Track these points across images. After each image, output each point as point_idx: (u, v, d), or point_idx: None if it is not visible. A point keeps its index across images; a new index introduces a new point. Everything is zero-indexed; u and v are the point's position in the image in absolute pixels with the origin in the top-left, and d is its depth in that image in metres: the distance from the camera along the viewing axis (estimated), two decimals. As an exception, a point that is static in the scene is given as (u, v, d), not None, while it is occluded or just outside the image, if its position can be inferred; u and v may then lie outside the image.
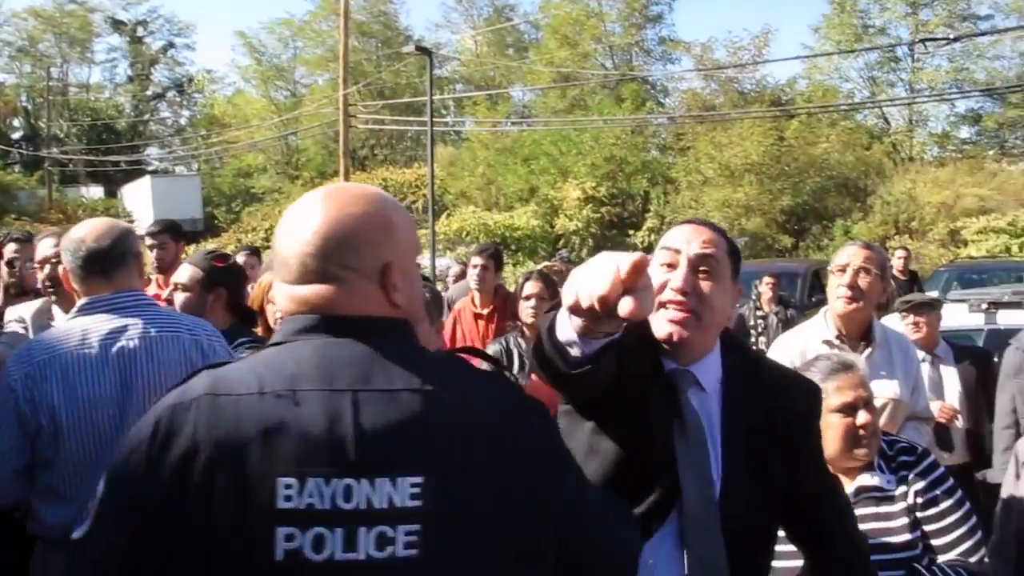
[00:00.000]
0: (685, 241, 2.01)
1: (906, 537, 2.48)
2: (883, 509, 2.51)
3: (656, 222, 28.49)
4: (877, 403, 3.37)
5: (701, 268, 1.98)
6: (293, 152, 45.32)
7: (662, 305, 1.97)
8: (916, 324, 5.17)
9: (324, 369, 1.42)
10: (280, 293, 1.53)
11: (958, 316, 6.33)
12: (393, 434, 1.40)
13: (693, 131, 30.72)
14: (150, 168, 45.59)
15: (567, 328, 1.59)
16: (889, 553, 2.45)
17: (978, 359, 5.38)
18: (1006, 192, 26.08)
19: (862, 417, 2.53)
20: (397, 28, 46.64)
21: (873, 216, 25.94)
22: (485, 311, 6.06)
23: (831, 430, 2.49)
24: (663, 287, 1.96)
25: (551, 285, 4.76)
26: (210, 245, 31.65)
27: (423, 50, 24.91)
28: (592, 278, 1.42)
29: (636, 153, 31.36)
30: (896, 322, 5.24)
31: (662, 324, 1.98)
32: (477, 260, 6.15)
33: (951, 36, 28.27)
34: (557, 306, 1.68)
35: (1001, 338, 6.07)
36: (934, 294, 8.23)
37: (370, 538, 1.36)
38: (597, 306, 1.41)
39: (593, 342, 1.58)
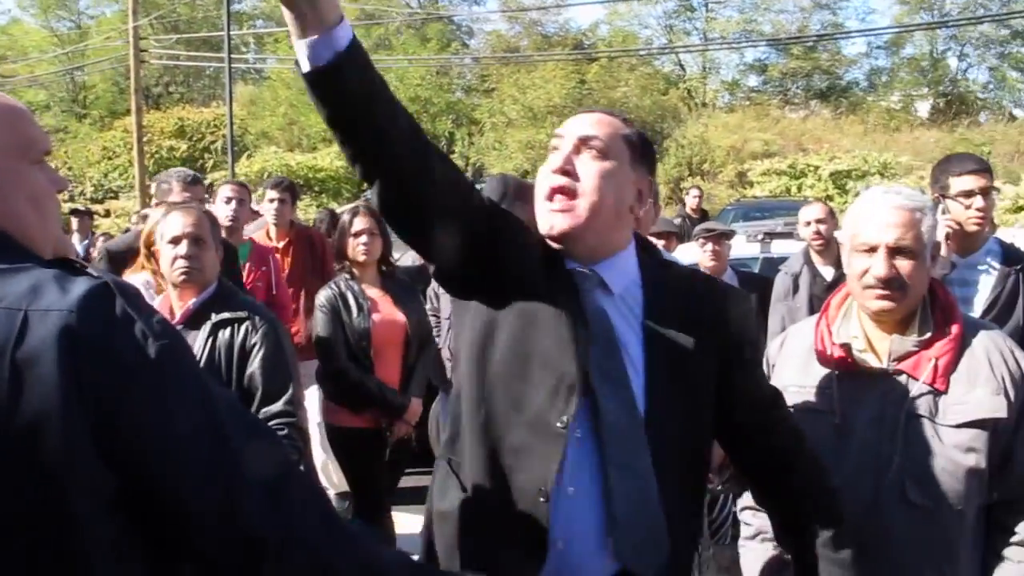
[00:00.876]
0: (572, 125, 1.87)
1: None
2: None
3: (461, 163, 28.59)
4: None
5: (584, 148, 1.81)
6: (80, 89, 42.34)
7: (545, 195, 1.83)
8: (715, 252, 5.53)
9: None
10: None
11: (738, 246, 6.78)
12: None
13: (497, 73, 30.94)
14: (-88, 103, 41.53)
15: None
16: None
17: (757, 285, 5.77)
18: (787, 137, 27.76)
19: None
20: (191, -42, 44.30)
21: (668, 158, 26.99)
22: (281, 244, 5.97)
23: None
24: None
25: (380, 220, 4.61)
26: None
27: (219, -18, 23.79)
28: None
29: (441, 94, 31.25)
30: (693, 249, 5.60)
31: (544, 215, 1.83)
32: (273, 194, 6.03)
33: (741, -13, 29.63)
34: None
35: (774, 265, 6.54)
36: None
37: None
38: None
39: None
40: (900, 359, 2.17)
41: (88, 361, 1.20)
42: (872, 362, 2.21)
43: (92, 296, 1.23)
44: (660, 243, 5.56)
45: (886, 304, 2.16)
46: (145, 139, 24.92)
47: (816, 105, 34.53)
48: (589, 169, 1.79)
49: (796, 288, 5.36)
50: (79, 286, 1.24)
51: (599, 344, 1.79)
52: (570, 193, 1.78)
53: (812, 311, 5.22)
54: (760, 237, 6.80)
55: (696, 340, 1.85)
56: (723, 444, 2.07)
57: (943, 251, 3.84)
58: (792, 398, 2.27)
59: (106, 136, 33.58)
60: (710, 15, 36.58)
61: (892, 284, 2.13)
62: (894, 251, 2.13)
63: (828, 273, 5.36)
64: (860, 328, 2.27)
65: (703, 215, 11.95)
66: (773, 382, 2.38)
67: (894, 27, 34.95)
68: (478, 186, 2.10)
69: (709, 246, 5.57)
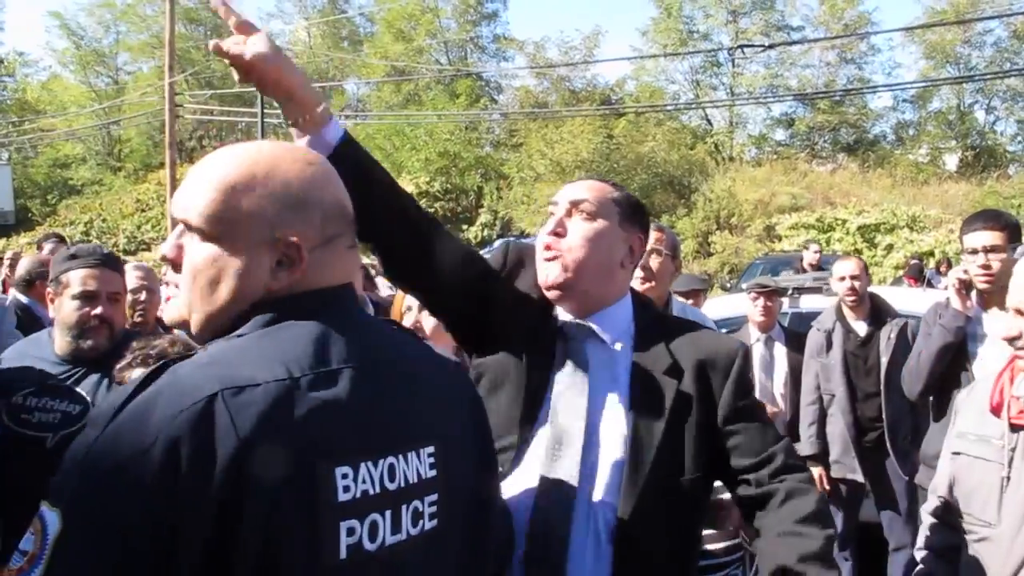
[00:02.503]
0: (564, 192, 2.07)
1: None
2: None
3: (489, 217, 28.85)
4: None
5: (575, 211, 2.02)
6: (115, 142, 43.20)
7: (541, 252, 2.03)
8: (766, 308, 5.53)
9: (338, 345, 1.32)
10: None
11: (765, 300, 6.76)
12: (413, 406, 1.38)
13: (526, 128, 31.27)
14: (-46, 156, 42.54)
15: None
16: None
17: (802, 343, 5.75)
18: (815, 191, 27.81)
19: None
20: (226, 16, 45.21)
21: (696, 212, 27.06)
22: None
23: None
24: None
25: None
26: (23, 240, 29.89)
27: (253, 39, 24.25)
28: None
29: (470, 149, 31.58)
30: (744, 301, 5.66)
31: (540, 269, 2.03)
32: None
33: (767, 44, 29.86)
34: None
35: (804, 320, 6.52)
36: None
37: (408, 515, 1.31)
38: None
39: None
40: None
41: (481, 414, 1.64)
42: None
43: (454, 365, 1.65)
44: (688, 301, 5.56)
45: None
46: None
47: (843, 159, 34.57)
48: (578, 229, 2.00)
49: (829, 345, 5.30)
50: (433, 349, 1.63)
51: (569, 386, 1.98)
52: (559, 253, 1.99)
53: (847, 367, 5.18)
54: (789, 292, 6.78)
55: (681, 385, 1.97)
56: (726, 484, 2.09)
57: (957, 303, 3.84)
58: (969, 446, 2.33)
59: (140, 189, 34.18)
60: (736, 70, 36.84)
61: None
62: None
63: (861, 329, 5.29)
64: None
65: (819, 271, 11.61)
66: (954, 429, 2.44)
67: (920, 81, 35.05)
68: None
69: (760, 301, 5.56)
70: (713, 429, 1.97)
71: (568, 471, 1.91)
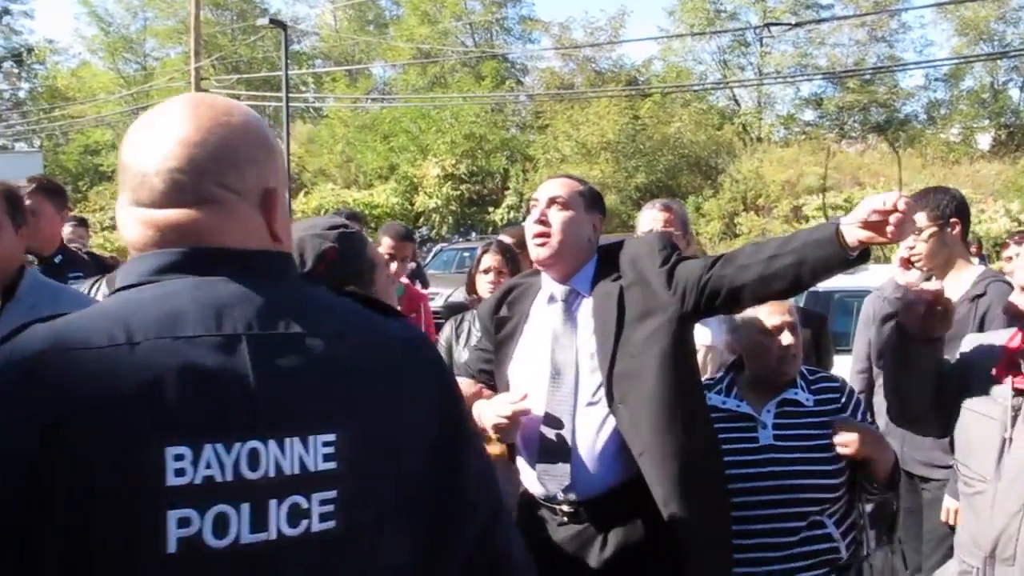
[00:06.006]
0: (543, 190, 2.70)
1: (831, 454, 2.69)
2: (804, 420, 2.75)
3: (515, 199, 28.81)
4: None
5: (553, 204, 2.63)
6: (144, 128, 43.58)
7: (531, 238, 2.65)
8: None
9: (207, 309, 1.15)
10: (132, 218, 1.23)
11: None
12: (302, 385, 1.17)
13: (551, 109, 31.22)
14: (-15, 144, 43.04)
15: None
16: (814, 465, 2.67)
17: (813, 321, 5.67)
18: (843, 171, 27.57)
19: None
20: (252, 1, 45.43)
21: (723, 193, 26.91)
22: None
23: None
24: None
25: (509, 258, 4.24)
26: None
27: (278, 23, 24.40)
28: None
29: (495, 131, 31.60)
30: None
31: (532, 251, 2.67)
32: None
33: (795, 22, 29.54)
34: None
35: (820, 300, 6.48)
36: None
37: (282, 512, 1.12)
38: None
39: None
40: None
41: (438, 393, 1.39)
42: None
43: (415, 336, 1.45)
44: None
45: None
46: (206, 177, 25.51)
47: (873, 139, 34.18)
48: (557, 217, 2.62)
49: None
50: (391, 318, 1.42)
51: (559, 343, 2.63)
52: (546, 235, 2.61)
53: None
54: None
55: (626, 301, 2.53)
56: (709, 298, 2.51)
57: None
58: (976, 402, 2.48)
59: (168, 174, 34.42)
60: (764, 50, 36.51)
61: None
62: None
63: None
64: None
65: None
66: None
67: (953, 58, 34.52)
68: None
69: None
70: (664, 294, 2.46)
71: (568, 388, 2.55)
